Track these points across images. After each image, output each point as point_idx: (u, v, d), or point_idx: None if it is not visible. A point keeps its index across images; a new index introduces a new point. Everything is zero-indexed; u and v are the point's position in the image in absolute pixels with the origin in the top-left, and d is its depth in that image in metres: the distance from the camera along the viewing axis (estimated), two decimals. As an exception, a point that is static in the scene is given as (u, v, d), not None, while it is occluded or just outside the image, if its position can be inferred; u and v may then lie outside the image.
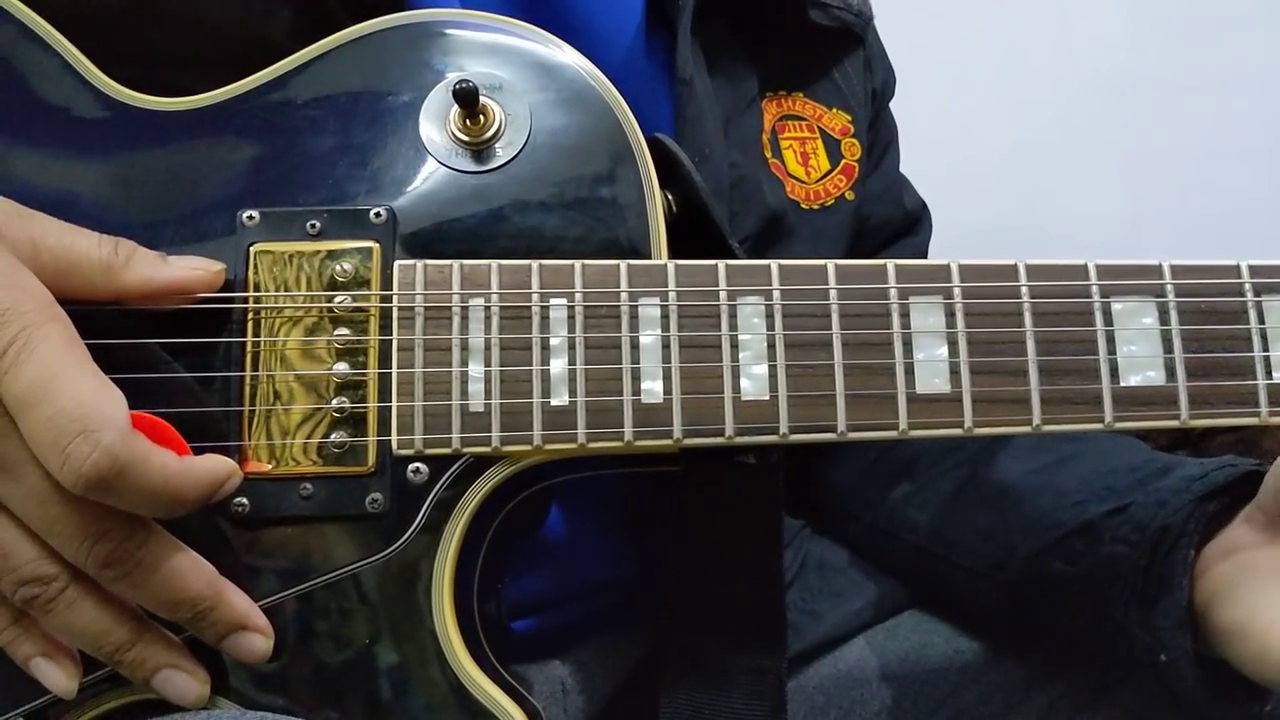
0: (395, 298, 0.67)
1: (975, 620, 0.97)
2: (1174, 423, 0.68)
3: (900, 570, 1.02)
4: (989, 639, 0.95)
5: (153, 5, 0.74)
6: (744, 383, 0.67)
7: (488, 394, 0.66)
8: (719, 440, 0.67)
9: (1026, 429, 0.67)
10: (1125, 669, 0.84)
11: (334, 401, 0.66)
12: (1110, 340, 0.68)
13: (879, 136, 1.08)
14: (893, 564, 1.03)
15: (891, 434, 0.67)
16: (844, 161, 0.98)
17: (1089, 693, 0.90)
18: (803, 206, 0.95)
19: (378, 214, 0.68)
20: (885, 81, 1.09)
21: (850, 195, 0.98)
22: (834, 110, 0.99)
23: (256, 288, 0.67)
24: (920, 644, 0.97)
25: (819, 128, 0.98)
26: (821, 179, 0.97)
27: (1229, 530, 0.75)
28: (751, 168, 0.92)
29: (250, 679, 0.66)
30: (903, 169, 1.14)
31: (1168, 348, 0.68)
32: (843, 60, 1.01)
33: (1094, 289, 0.69)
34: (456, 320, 0.67)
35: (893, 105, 1.12)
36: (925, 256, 1.11)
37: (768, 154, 0.95)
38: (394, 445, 0.66)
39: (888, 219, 1.08)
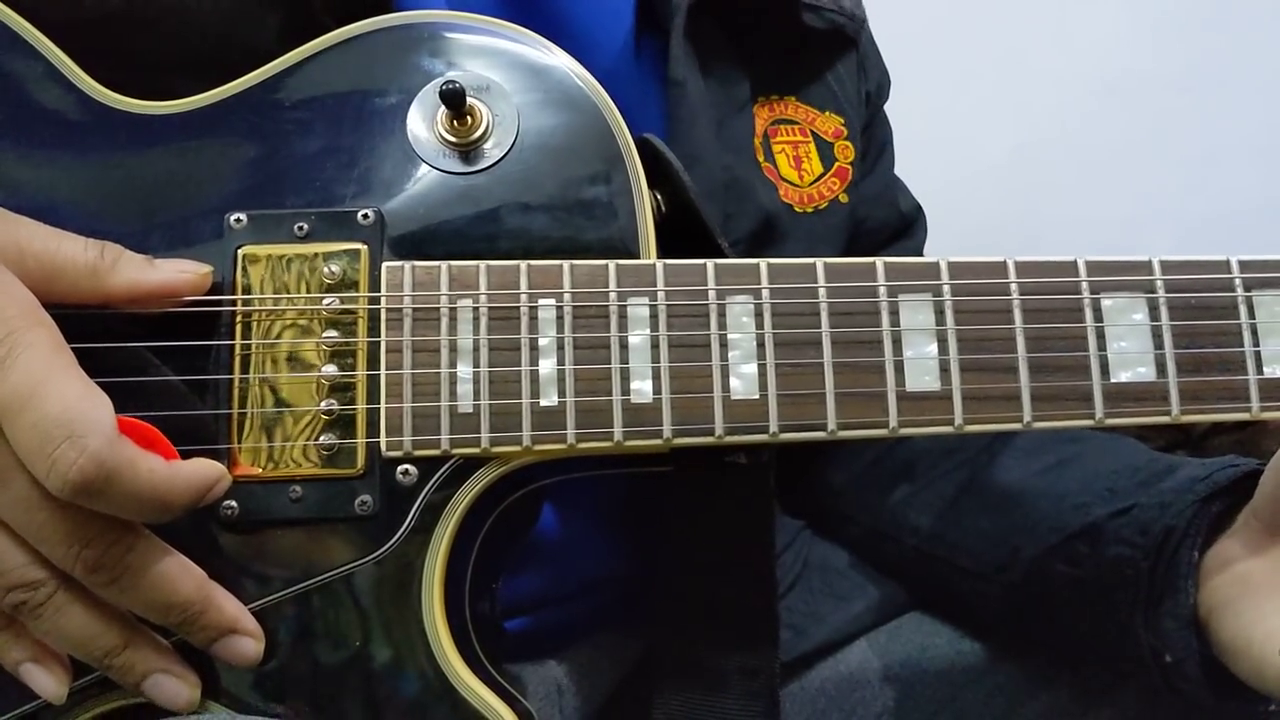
0: (383, 299, 0.67)
1: (977, 622, 0.96)
2: (1165, 418, 0.68)
3: (901, 572, 1.02)
4: (991, 641, 0.95)
5: (141, 10, 0.74)
6: (733, 382, 0.67)
7: (476, 395, 0.66)
8: (709, 440, 0.67)
9: (1017, 426, 0.67)
10: (1127, 669, 0.84)
11: (323, 404, 0.66)
12: (1100, 336, 0.68)
13: (874, 139, 1.08)
14: (894, 566, 1.03)
15: (881, 432, 0.67)
16: (837, 164, 0.98)
17: (1091, 693, 0.90)
18: (796, 209, 0.95)
19: (365, 216, 0.68)
20: (879, 84, 1.08)
21: (844, 198, 0.98)
22: (827, 113, 0.99)
23: (245, 290, 0.67)
24: (922, 646, 0.97)
25: (811, 131, 0.98)
26: (814, 182, 0.97)
27: (1225, 539, 0.75)
28: (744, 170, 0.92)
29: (241, 683, 0.66)
30: (900, 171, 1.14)
31: (1158, 343, 0.68)
32: (835, 63, 1.01)
33: (1084, 285, 0.68)
34: (445, 321, 0.66)
35: (890, 107, 1.12)
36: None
37: (760, 157, 0.94)
38: (383, 447, 0.66)
39: (883, 222, 1.08)
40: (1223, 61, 2.20)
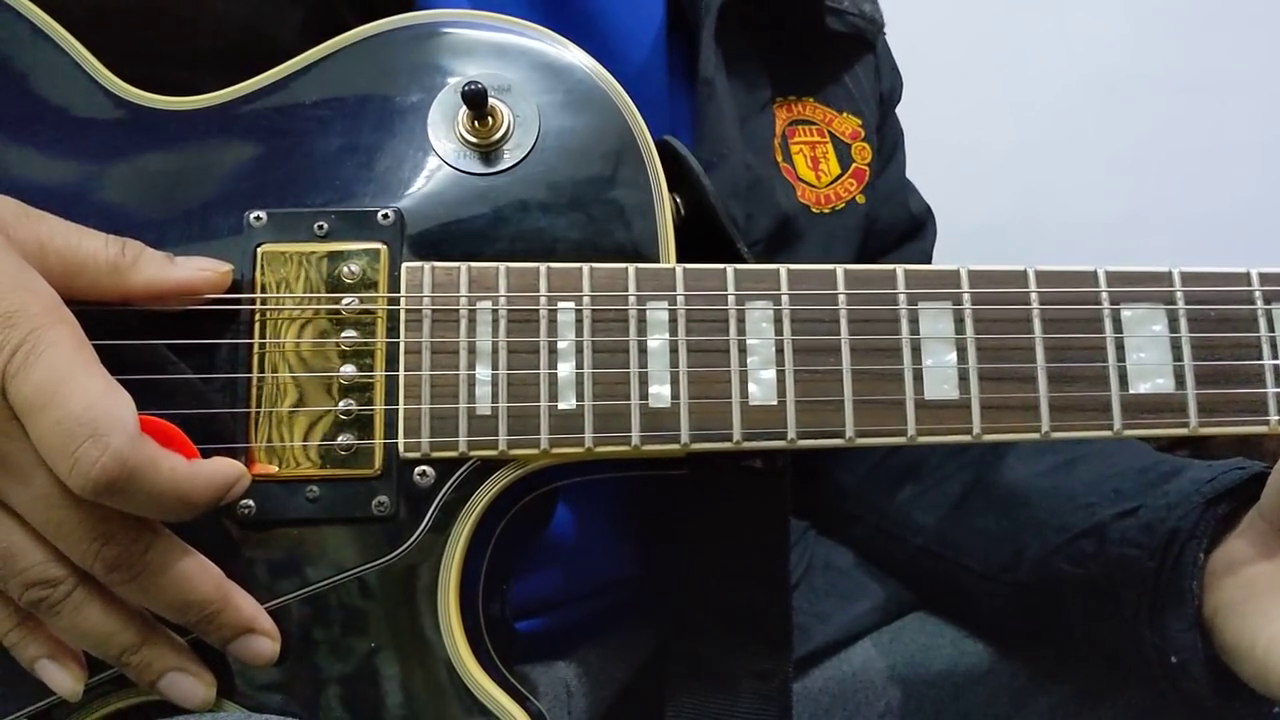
0: (403, 300, 0.67)
1: (982, 622, 0.97)
2: (1183, 430, 0.68)
3: (906, 572, 1.02)
4: (995, 641, 0.95)
5: (164, 5, 0.74)
6: (752, 387, 0.67)
7: (495, 397, 0.66)
8: (726, 445, 0.67)
9: (1035, 436, 0.67)
10: (1131, 670, 0.84)
11: (340, 404, 0.66)
12: (1120, 347, 0.68)
13: (885, 141, 1.08)
14: (898, 566, 1.03)
15: (900, 440, 0.67)
16: (854, 165, 0.99)
17: (1094, 694, 0.90)
18: (813, 210, 0.96)
19: (385, 215, 0.68)
20: (893, 86, 1.09)
21: (861, 199, 0.98)
22: (844, 114, 0.99)
23: (263, 289, 0.67)
24: (926, 646, 0.97)
25: (829, 132, 0.98)
26: (832, 183, 0.97)
27: (1231, 541, 0.75)
28: (764, 170, 0.92)
29: (256, 682, 0.66)
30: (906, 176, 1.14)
31: (1177, 355, 0.68)
32: (853, 65, 1.02)
33: (1104, 296, 0.68)
34: (464, 323, 0.66)
35: (896, 112, 1.12)
36: (930, 260, 1.12)
37: (778, 158, 0.95)
38: (400, 448, 0.66)
39: (894, 222, 1.08)
40: (1223, 61, 2.21)
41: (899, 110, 1.13)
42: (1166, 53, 2.20)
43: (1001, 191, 2.14)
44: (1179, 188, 2.21)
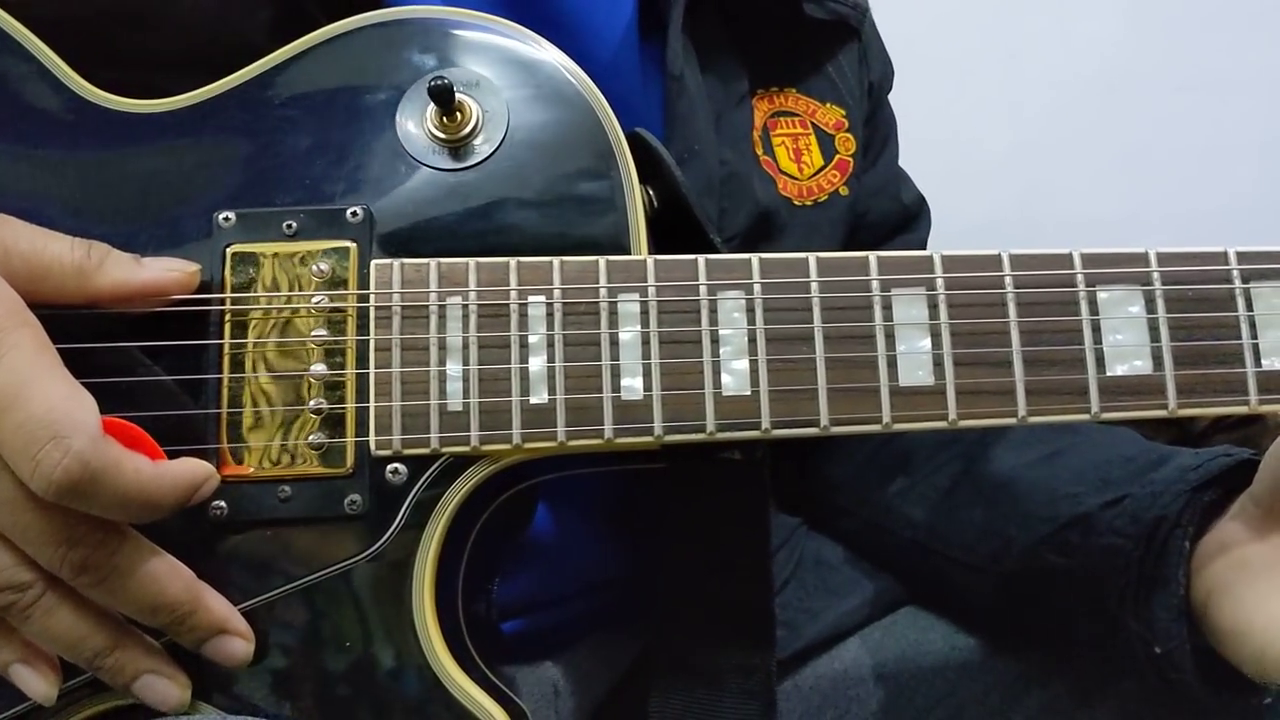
0: (372, 297, 0.66)
1: (972, 616, 0.96)
2: (1162, 412, 0.67)
3: (897, 566, 1.02)
4: (986, 636, 0.95)
5: (131, 6, 0.74)
6: (725, 378, 0.66)
7: (466, 393, 0.65)
8: (700, 436, 0.66)
9: (1011, 420, 0.66)
10: (1121, 663, 0.83)
11: (312, 402, 0.66)
12: (1096, 329, 0.67)
13: (877, 131, 1.08)
14: (889, 560, 1.02)
15: (875, 427, 0.66)
16: (838, 157, 0.98)
17: (1086, 690, 0.89)
18: (795, 203, 0.95)
19: (354, 213, 0.68)
20: (883, 74, 1.08)
21: (844, 190, 0.98)
22: (828, 105, 0.99)
23: (234, 289, 0.67)
24: (917, 641, 0.96)
25: (812, 123, 0.98)
26: (815, 175, 0.96)
27: (1222, 525, 0.74)
28: (742, 164, 0.91)
29: (231, 683, 0.65)
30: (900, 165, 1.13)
31: (1155, 336, 0.67)
32: (837, 54, 1.01)
33: (1079, 278, 0.68)
34: (434, 319, 0.66)
35: (890, 101, 1.11)
36: (924, 252, 1.10)
37: (759, 151, 0.94)
38: (372, 446, 0.65)
39: (885, 215, 1.08)
40: (1221, 60, 2.20)
41: (895, 106, 1.12)
42: (1165, 52, 2.20)
43: (998, 191, 2.13)
44: (1177, 187, 2.20)
